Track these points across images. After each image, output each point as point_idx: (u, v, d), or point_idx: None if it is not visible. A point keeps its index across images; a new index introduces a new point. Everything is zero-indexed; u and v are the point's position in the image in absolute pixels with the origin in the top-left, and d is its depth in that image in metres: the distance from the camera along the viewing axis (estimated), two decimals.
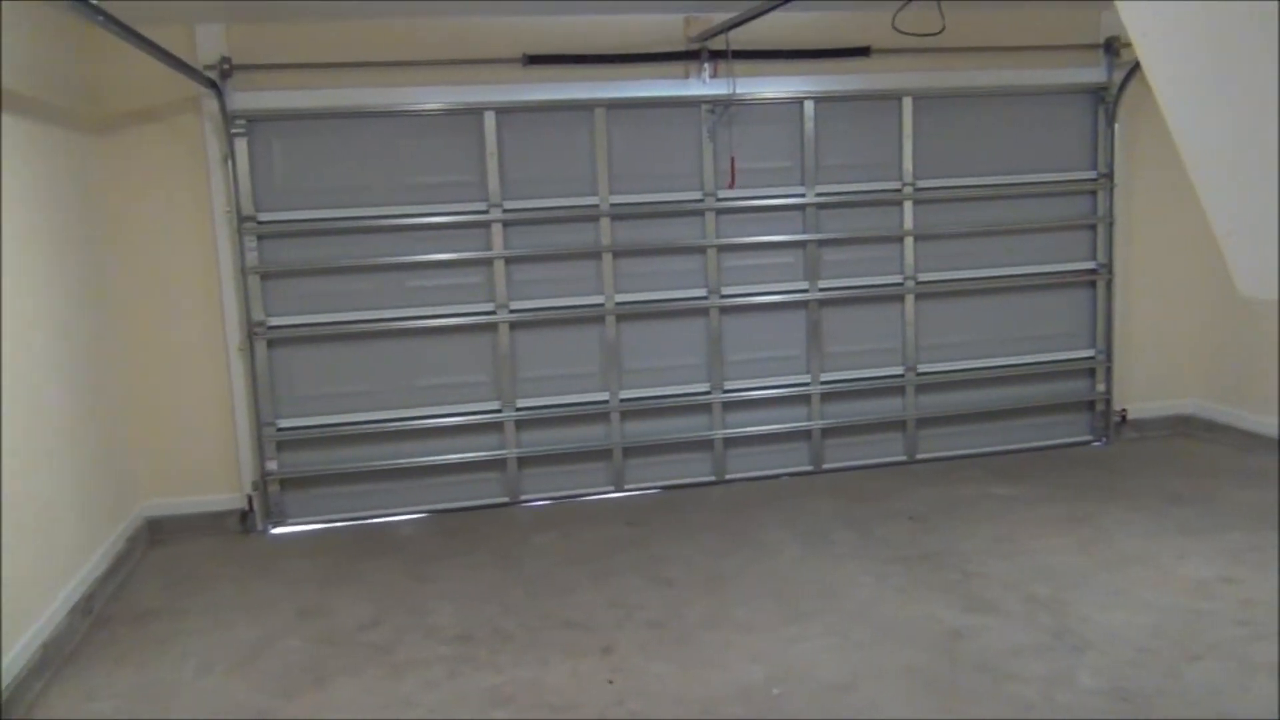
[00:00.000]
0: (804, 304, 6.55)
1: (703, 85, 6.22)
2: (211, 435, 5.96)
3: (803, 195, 6.46)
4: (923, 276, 6.69)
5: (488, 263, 6.15)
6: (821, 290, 6.55)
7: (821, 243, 6.52)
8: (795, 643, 4.23)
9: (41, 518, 4.42)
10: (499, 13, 5.89)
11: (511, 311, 6.19)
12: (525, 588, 4.95)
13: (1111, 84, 6.75)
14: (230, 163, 5.77)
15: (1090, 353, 7.02)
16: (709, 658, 4.13)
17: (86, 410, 5.12)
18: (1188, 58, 2.29)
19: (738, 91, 6.19)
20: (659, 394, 6.44)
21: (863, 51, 6.37)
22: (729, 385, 6.52)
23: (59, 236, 4.91)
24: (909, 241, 6.63)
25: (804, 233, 6.49)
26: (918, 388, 6.77)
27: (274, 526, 6.03)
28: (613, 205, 6.24)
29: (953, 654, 4.07)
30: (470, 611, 4.69)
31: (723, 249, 6.41)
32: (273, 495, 6.05)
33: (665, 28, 6.17)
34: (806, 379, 6.61)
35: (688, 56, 6.20)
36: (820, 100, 6.41)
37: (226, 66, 5.68)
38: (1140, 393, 7.12)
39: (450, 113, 6.06)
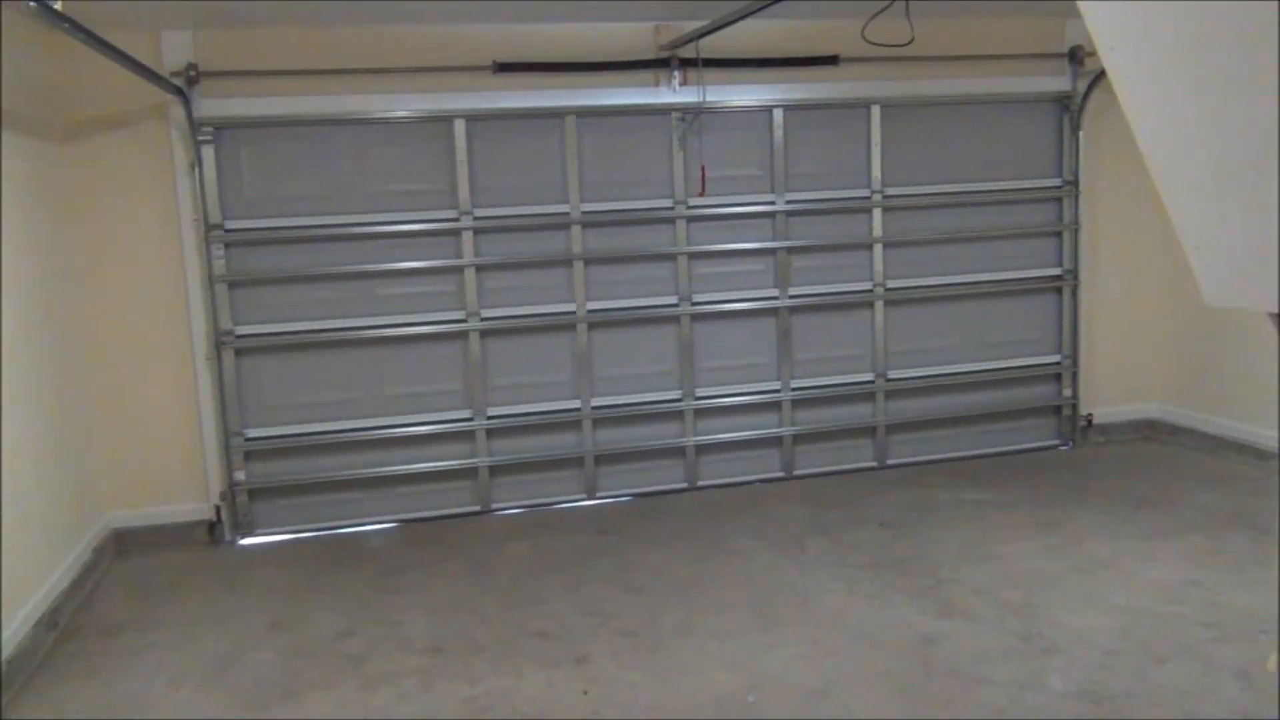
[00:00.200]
0: (774, 311, 6.59)
1: (673, 93, 6.24)
2: (179, 445, 5.89)
3: (773, 203, 6.50)
4: (891, 283, 6.74)
5: (458, 270, 6.14)
6: (792, 297, 6.58)
7: (791, 250, 6.55)
8: (769, 650, 4.24)
9: (5, 530, 4.35)
10: (469, 20, 5.88)
11: (482, 319, 6.18)
12: (498, 597, 4.93)
13: (1076, 92, 6.84)
14: (197, 170, 5.72)
15: (1056, 358, 7.11)
16: (683, 666, 4.14)
17: (51, 421, 5.05)
18: (1155, 72, 2.33)
19: (708, 99, 6.21)
20: (630, 401, 6.44)
21: (831, 60, 6.42)
22: (700, 392, 6.53)
23: (21, 245, 4.84)
24: (878, 248, 6.68)
25: (774, 240, 6.52)
26: (887, 394, 6.82)
27: (242, 537, 5.97)
28: (584, 213, 6.24)
29: (925, 659, 4.10)
30: (443, 622, 4.67)
31: (693, 256, 6.43)
32: (241, 506, 5.99)
33: (635, 36, 6.19)
34: (777, 386, 6.64)
35: (658, 65, 6.22)
36: (789, 108, 6.45)
37: (193, 73, 5.63)
38: (1105, 397, 7.21)
39: (420, 120, 6.04)
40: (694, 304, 6.45)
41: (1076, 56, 6.77)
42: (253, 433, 5.99)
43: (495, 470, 6.31)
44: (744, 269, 6.55)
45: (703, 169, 6.31)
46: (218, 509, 5.93)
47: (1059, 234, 7.01)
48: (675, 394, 6.50)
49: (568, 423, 6.38)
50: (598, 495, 6.42)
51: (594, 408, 6.38)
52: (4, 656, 4.15)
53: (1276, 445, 6.21)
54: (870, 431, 6.83)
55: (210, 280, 5.81)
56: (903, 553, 5.25)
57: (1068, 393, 7.14)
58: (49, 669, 4.38)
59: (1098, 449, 7.09)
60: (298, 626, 4.71)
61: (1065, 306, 7.07)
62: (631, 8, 5.75)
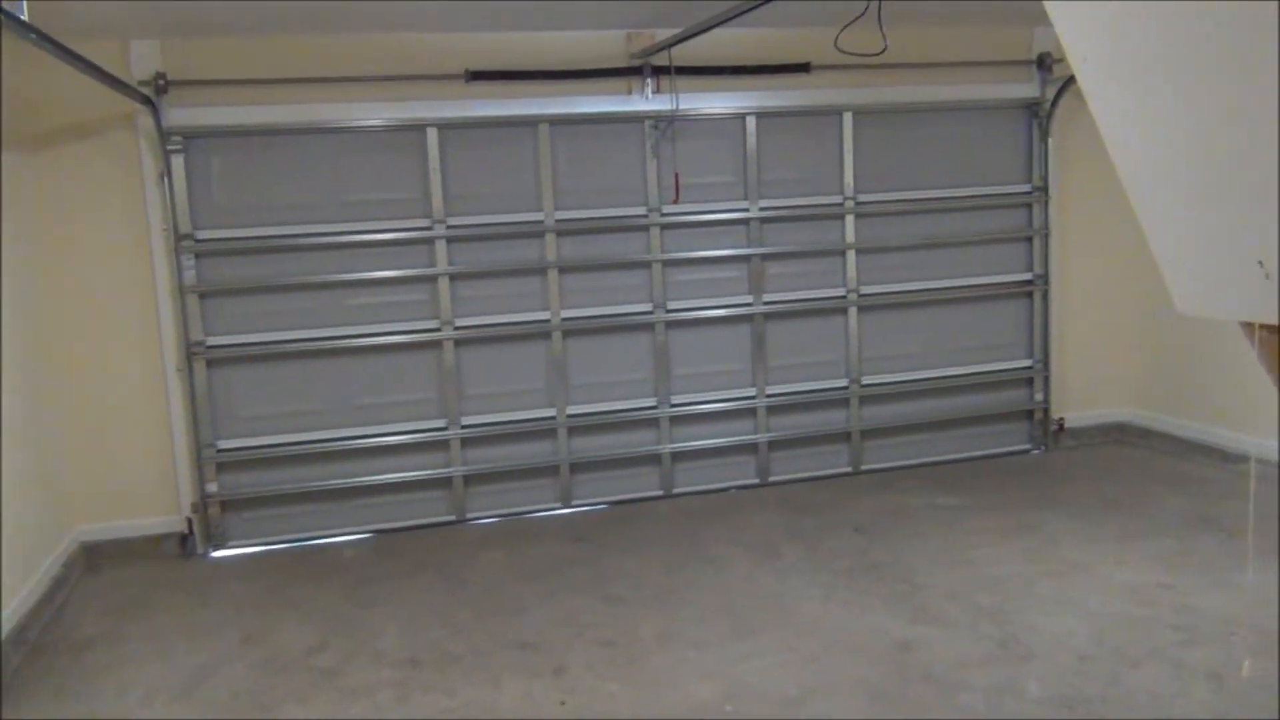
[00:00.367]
0: (749, 317, 6.60)
1: (646, 101, 6.25)
2: (149, 457, 5.83)
3: (746, 210, 6.51)
4: (865, 289, 6.77)
5: (432, 279, 6.11)
6: (766, 304, 6.60)
7: (765, 257, 6.57)
8: (746, 658, 4.24)
9: None
10: (441, 28, 5.86)
11: (456, 328, 6.15)
12: (473, 608, 4.91)
13: (1044, 99, 6.90)
14: (167, 180, 5.67)
15: (1028, 362, 7.16)
16: (661, 676, 4.13)
17: (19, 433, 4.98)
18: (1126, 83, 2.35)
19: (681, 107, 6.22)
20: (606, 409, 6.43)
21: (803, 68, 6.44)
22: (675, 400, 6.53)
23: None
24: (851, 255, 6.71)
25: (748, 247, 6.54)
26: (861, 399, 6.85)
27: (214, 550, 5.91)
28: (558, 221, 6.24)
29: (902, 666, 4.11)
30: (418, 634, 4.64)
31: (668, 264, 6.44)
32: (213, 518, 5.93)
33: (608, 44, 6.19)
34: (752, 392, 6.65)
35: (631, 72, 6.22)
36: (762, 116, 6.47)
37: (162, 82, 5.58)
38: (1077, 401, 7.27)
39: (392, 129, 6.01)
40: (669, 311, 6.45)
41: (1045, 63, 6.84)
42: (225, 444, 5.93)
43: (470, 479, 6.29)
44: (718, 276, 6.56)
45: (676, 176, 6.32)
46: (189, 521, 5.87)
47: (1029, 239, 7.07)
48: (650, 401, 6.50)
49: (543, 431, 6.36)
50: (573, 503, 6.41)
51: (569, 416, 6.37)
52: None
53: (1244, 448, 6.28)
54: (845, 437, 6.86)
55: (181, 290, 5.75)
56: (878, 558, 5.27)
57: (1039, 397, 7.20)
58: (17, 687, 4.32)
59: (1069, 453, 7.15)
60: (271, 640, 4.67)
61: (1036, 311, 7.13)
62: (604, 16, 5.75)
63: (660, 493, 6.55)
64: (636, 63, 6.19)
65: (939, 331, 6.97)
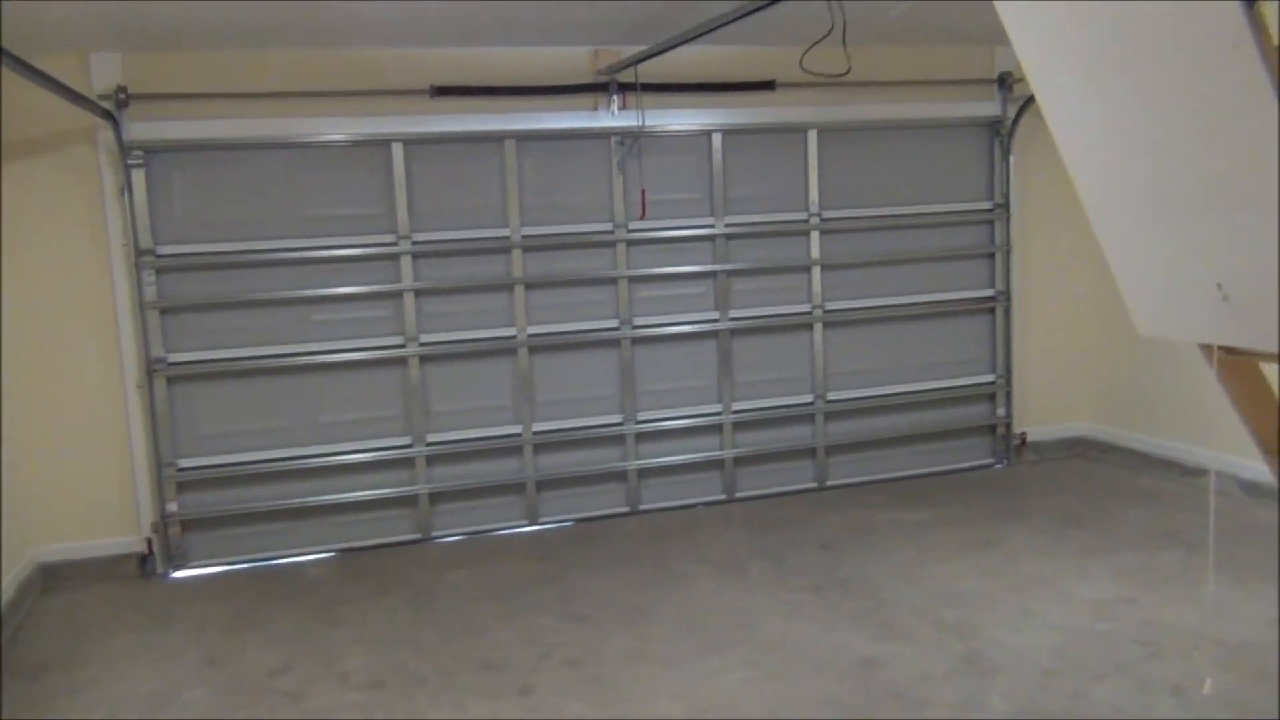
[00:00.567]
0: (715, 334, 6.62)
1: (612, 117, 6.26)
2: (108, 476, 5.74)
3: (712, 226, 6.53)
4: (830, 305, 6.81)
5: (397, 295, 6.07)
6: (732, 320, 6.62)
7: (731, 273, 6.60)
8: (714, 676, 4.24)
9: None
10: (405, 43, 5.84)
11: (421, 345, 6.12)
12: (439, 628, 4.86)
13: (1006, 117, 6.99)
14: (127, 195, 5.60)
15: (991, 377, 7.23)
16: (628, 695, 4.11)
17: None
18: (1085, 107, 2.38)
19: (647, 124, 6.23)
20: (572, 426, 6.42)
21: (768, 85, 6.48)
22: (642, 416, 6.53)
23: None
24: (816, 271, 6.75)
25: (714, 263, 6.56)
26: (827, 415, 6.88)
27: (175, 570, 5.83)
28: (524, 237, 6.23)
29: (867, 682, 4.12)
30: (383, 655, 4.60)
31: (634, 280, 6.44)
32: (173, 537, 5.85)
33: (573, 60, 6.20)
34: (718, 408, 6.66)
35: (597, 89, 6.23)
36: (728, 133, 6.50)
37: (123, 96, 5.51)
38: (1038, 415, 7.35)
39: (357, 144, 5.98)
40: (635, 327, 6.45)
41: (1006, 82, 6.93)
42: (185, 462, 5.85)
43: (435, 497, 6.24)
44: (684, 292, 6.57)
45: (643, 193, 6.33)
46: (149, 541, 5.79)
47: (991, 255, 7.15)
48: (616, 418, 6.49)
49: (509, 448, 6.33)
50: (539, 521, 6.38)
51: (535, 432, 6.34)
52: None
53: (1203, 462, 6.36)
54: (810, 453, 6.89)
55: (141, 306, 5.68)
56: (844, 574, 5.29)
57: (1002, 412, 7.26)
58: None
59: (1032, 467, 7.22)
60: (233, 662, 4.60)
61: (998, 327, 7.20)
62: (570, 32, 5.76)
63: (627, 509, 6.54)
64: (603, 79, 6.20)
65: (903, 347, 7.02)
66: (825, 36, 4.16)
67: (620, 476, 6.54)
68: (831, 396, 6.87)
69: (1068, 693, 3.96)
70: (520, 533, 6.30)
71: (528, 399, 6.31)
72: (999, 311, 7.18)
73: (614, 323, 6.43)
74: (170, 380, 5.80)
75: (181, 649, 4.78)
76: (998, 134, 7.03)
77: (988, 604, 4.82)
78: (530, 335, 6.28)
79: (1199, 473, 6.42)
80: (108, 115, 5.42)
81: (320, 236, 5.95)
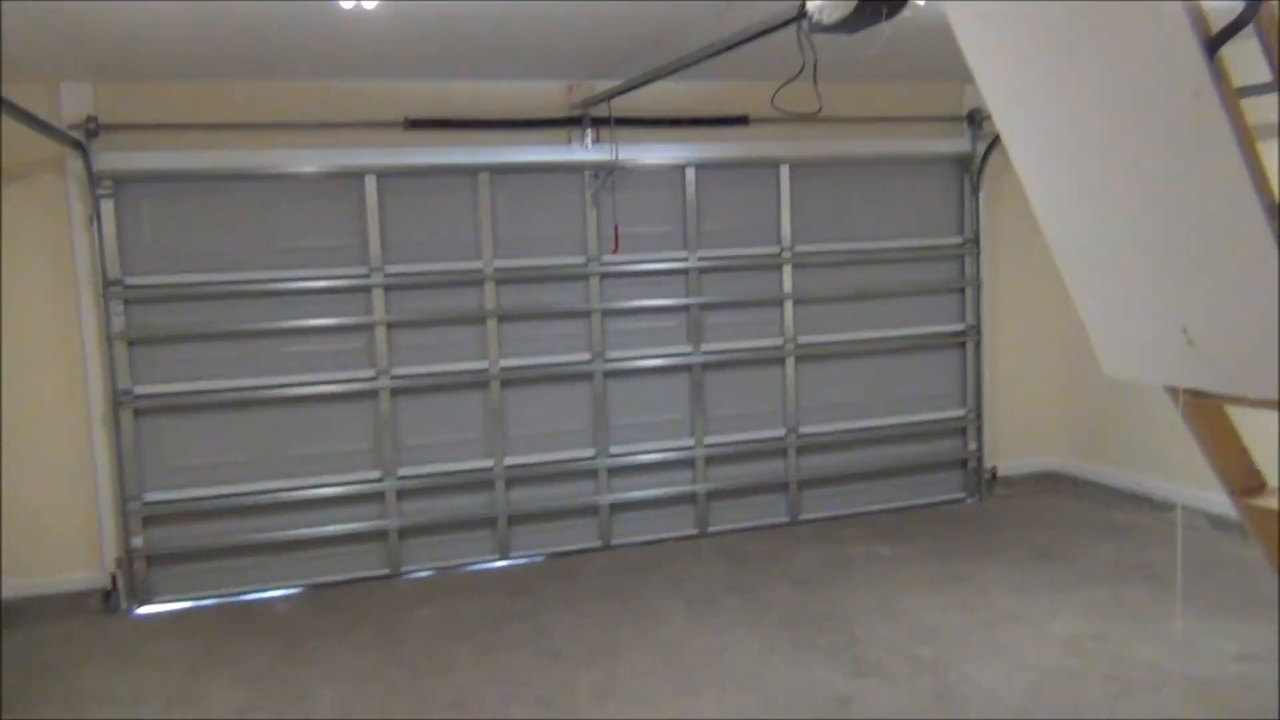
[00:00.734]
0: (688, 368, 6.62)
1: (585, 151, 6.28)
2: (72, 510, 5.65)
3: (685, 260, 6.55)
4: (802, 339, 6.83)
5: (369, 328, 6.04)
6: (704, 354, 6.62)
7: (704, 306, 6.61)
8: (686, 714, 4.20)
9: None
10: (379, 75, 5.85)
11: (393, 377, 6.08)
12: (408, 667, 4.80)
13: (975, 154, 7.07)
14: (96, 225, 5.55)
15: (961, 412, 7.27)
16: None
17: None
18: (1052, 153, 2.41)
19: (620, 158, 6.26)
20: (544, 460, 6.38)
21: (741, 120, 6.53)
22: (614, 450, 6.51)
23: None
24: (788, 305, 6.78)
25: (687, 297, 6.57)
26: (799, 449, 6.88)
27: (140, 606, 5.73)
28: (497, 270, 6.22)
29: None
30: (351, 694, 4.53)
31: (607, 313, 6.44)
32: (139, 573, 5.75)
33: (548, 94, 6.22)
34: (691, 443, 6.65)
35: (570, 123, 6.25)
36: (701, 167, 6.53)
37: (93, 125, 5.48)
38: (1009, 450, 7.38)
39: (330, 176, 5.96)
40: (607, 361, 6.44)
41: (975, 119, 7.01)
42: (152, 496, 5.77)
43: (405, 532, 6.18)
44: (657, 325, 6.58)
45: (616, 226, 6.34)
46: (114, 577, 5.69)
47: (961, 290, 7.20)
48: (589, 452, 6.47)
49: (480, 482, 6.29)
50: (511, 556, 6.33)
51: (507, 467, 6.31)
52: None
53: (1172, 496, 6.41)
54: (783, 487, 6.88)
55: (108, 337, 5.62)
56: (817, 610, 5.27)
57: (973, 446, 7.29)
58: None
59: (1003, 501, 7.25)
60: (198, 703, 4.52)
61: (969, 361, 7.25)
62: (544, 66, 5.78)
63: (599, 544, 6.50)
64: (577, 113, 6.22)
65: (874, 381, 7.05)
66: (797, 75, 4.19)
67: (592, 511, 6.51)
68: (804, 430, 6.88)
69: None
70: (491, 568, 6.25)
71: (499, 433, 6.28)
72: (969, 346, 7.23)
73: (587, 356, 6.41)
74: (137, 412, 5.73)
75: (144, 689, 4.69)
76: (967, 170, 7.10)
77: (960, 640, 4.82)
78: (502, 368, 6.26)
79: (1168, 507, 6.46)
80: (77, 145, 5.38)
81: (291, 268, 5.92)
